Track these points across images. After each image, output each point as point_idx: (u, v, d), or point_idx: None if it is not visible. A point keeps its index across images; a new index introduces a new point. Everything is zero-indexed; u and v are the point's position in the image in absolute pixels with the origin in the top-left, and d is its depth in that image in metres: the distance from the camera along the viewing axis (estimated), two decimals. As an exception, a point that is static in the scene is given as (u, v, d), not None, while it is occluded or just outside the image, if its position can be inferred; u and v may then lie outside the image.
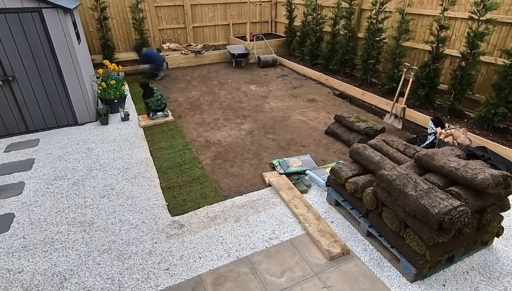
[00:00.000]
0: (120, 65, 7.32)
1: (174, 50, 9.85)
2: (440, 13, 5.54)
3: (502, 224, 3.04)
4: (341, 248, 3.05)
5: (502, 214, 2.87)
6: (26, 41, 4.87)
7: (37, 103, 5.32)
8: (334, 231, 3.28)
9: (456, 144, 4.35)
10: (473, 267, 2.92)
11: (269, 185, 4.05)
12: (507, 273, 2.86)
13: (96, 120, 5.87)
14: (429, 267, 2.64)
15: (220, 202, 3.79)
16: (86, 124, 5.76)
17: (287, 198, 3.71)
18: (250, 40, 9.99)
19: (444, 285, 2.74)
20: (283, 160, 4.42)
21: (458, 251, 2.78)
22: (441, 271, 2.86)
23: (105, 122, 5.76)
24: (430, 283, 2.76)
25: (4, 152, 4.91)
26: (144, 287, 2.77)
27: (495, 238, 3.12)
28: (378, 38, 6.83)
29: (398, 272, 2.86)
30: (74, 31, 5.57)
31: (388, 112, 5.91)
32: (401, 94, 5.77)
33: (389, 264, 2.95)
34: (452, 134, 4.46)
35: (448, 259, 2.86)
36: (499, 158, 4.45)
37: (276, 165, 4.37)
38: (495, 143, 4.65)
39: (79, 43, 5.78)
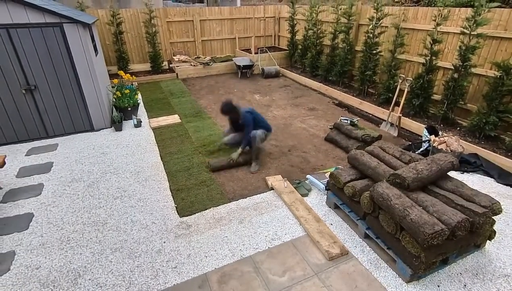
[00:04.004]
0: (133, 76, 7.39)
1: (184, 62, 9.95)
2: (433, 28, 5.54)
3: (494, 228, 2.99)
4: (340, 249, 3.02)
5: (494, 217, 2.82)
6: (48, 53, 4.95)
7: (57, 110, 5.38)
8: (333, 232, 3.25)
9: (449, 151, 4.31)
10: (466, 269, 2.87)
11: (272, 189, 4.03)
12: (499, 275, 2.80)
13: (111, 127, 5.91)
14: (424, 268, 2.60)
15: (225, 204, 3.78)
16: (101, 130, 5.81)
17: (289, 201, 3.69)
18: (255, 53, 10.06)
19: (438, 286, 2.69)
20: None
21: (452, 253, 2.74)
22: (436, 272, 2.82)
23: (119, 128, 5.80)
24: (425, 284, 2.71)
25: (26, 155, 4.96)
26: (153, 284, 2.76)
27: (488, 241, 3.06)
28: (374, 51, 6.84)
29: (395, 273, 2.82)
30: (92, 44, 5.65)
31: (385, 120, 5.89)
32: (397, 103, 5.75)
33: (386, 265, 2.91)
34: (445, 142, 4.42)
35: (443, 260, 2.82)
36: (490, 165, 4.40)
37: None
38: (486, 150, 4.60)
39: (96, 55, 5.85)
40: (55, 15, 4.73)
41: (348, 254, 3.02)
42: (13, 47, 4.71)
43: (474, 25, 4.88)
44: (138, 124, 5.97)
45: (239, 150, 4.47)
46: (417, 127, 5.57)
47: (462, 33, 5.11)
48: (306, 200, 3.80)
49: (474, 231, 2.67)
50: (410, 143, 5.10)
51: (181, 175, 4.39)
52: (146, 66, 9.72)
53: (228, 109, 4.42)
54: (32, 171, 4.51)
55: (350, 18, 7.35)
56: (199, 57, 10.35)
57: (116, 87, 6.30)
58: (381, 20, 6.56)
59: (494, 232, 2.99)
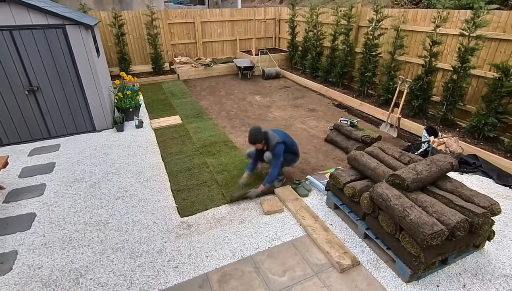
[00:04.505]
0: (135, 77, 7.41)
1: (185, 63, 9.96)
2: (433, 30, 5.54)
3: (493, 228, 2.99)
4: (351, 260, 2.90)
5: (493, 218, 2.82)
6: (50, 54, 4.96)
7: (59, 111, 5.39)
8: (342, 242, 3.15)
9: (449, 152, 4.31)
10: (465, 269, 2.86)
11: (266, 213, 3.69)
12: (498, 275, 2.80)
13: (113, 127, 5.92)
14: (423, 268, 2.60)
15: (226, 204, 3.78)
16: (103, 131, 5.81)
17: (294, 209, 3.60)
18: (256, 54, 10.07)
19: (438, 286, 2.69)
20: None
21: (451, 253, 2.73)
22: (435, 272, 2.81)
23: (120, 129, 5.80)
24: (424, 284, 2.71)
25: (28, 155, 4.97)
26: (154, 283, 2.76)
27: (487, 241, 3.06)
28: (374, 53, 6.84)
29: (394, 273, 2.81)
30: (94, 46, 5.65)
31: (384, 121, 5.88)
32: (396, 105, 5.75)
33: (385, 265, 2.90)
34: (444, 143, 4.42)
35: (442, 261, 2.81)
36: (489, 165, 4.40)
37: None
38: (485, 151, 4.59)
39: (98, 57, 5.86)
40: (57, 17, 4.75)
41: (359, 265, 2.91)
42: (16, 49, 4.72)
43: (473, 27, 4.88)
44: (140, 125, 5.97)
45: (260, 188, 3.80)
46: (417, 128, 5.56)
47: (461, 34, 5.11)
48: (306, 201, 3.79)
49: (473, 232, 2.67)
50: (410, 144, 5.10)
51: (182, 175, 4.39)
52: (148, 68, 9.73)
53: (258, 139, 3.73)
54: (34, 171, 4.52)
55: (350, 20, 7.36)
56: (200, 59, 10.35)
57: (118, 88, 6.32)
58: (381, 22, 6.56)
59: (493, 232, 2.98)
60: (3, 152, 5.08)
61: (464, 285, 2.70)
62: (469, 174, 4.35)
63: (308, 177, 4.19)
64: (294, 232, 3.31)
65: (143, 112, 6.76)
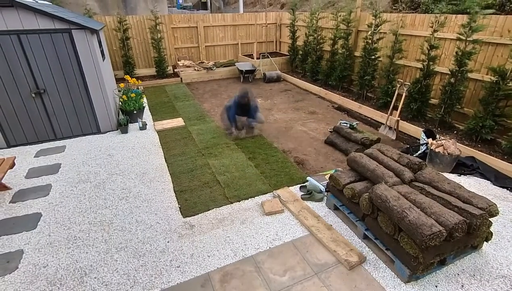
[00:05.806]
0: (139, 80, 7.43)
1: (188, 66, 9.98)
2: (431, 34, 5.54)
3: (491, 229, 2.97)
4: (358, 257, 2.90)
5: (490, 219, 2.81)
6: (57, 58, 4.98)
7: (65, 113, 5.41)
8: (346, 238, 3.14)
9: (447, 154, 4.29)
10: (464, 269, 2.84)
11: (268, 214, 3.65)
12: (496, 276, 2.78)
13: (117, 129, 5.93)
14: (422, 269, 2.58)
15: (228, 205, 3.77)
16: (108, 133, 5.83)
17: (295, 210, 3.58)
18: (257, 58, 10.09)
19: (436, 286, 2.67)
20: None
21: (449, 254, 2.71)
22: (434, 273, 2.80)
23: (125, 131, 5.81)
24: (423, 284, 2.69)
25: (34, 157, 4.98)
26: (157, 282, 2.75)
27: (485, 242, 3.04)
28: (373, 57, 6.83)
29: (393, 273, 2.80)
30: (99, 50, 5.68)
31: (383, 124, 5.87)
32: (395, 107, 5.74)
33: (385, 265, 2.89)
34: (442, 145, 4.41)
35: (440, 261, 2.79)
36: (487, 167, 4.38)
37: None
38: (483, 153, 4.58)
39: (103, 60, 5.89)
40: (64, 21, 4.77)
41: (366, 261, 2.91)
42: (24, 52, 4.75)
43: (470, 31, 4.88)
44: (144, 127, 5.98)
45: (243, 131, 5.72)
46: (415, 130, 5.55)
47: (459, 39, 5.10)
48: (306, 202, 3.78)
49: (471, 233, 2.65)
50: (408, 146, 5.08)
51: (185, 176, 4.39)
52: (152, 71, 9.77)
53: (248, 97, 5.51)
54: (40, 172, 4.53)
55: (349, 24, 7.36)
56: (203, 62, 10.38)
57: (122, 91, 6.33)
58: (380, 27, 6.57)
59: (491, 233, 2.96)
60: (10, 153, 5.09)
61: (463, 286, 2.68)
62: (467, 175, 4.34)
63: (308, 178, 4.18)
64: (294, 232, 3.30)
65: (147, 114, 6.78)
